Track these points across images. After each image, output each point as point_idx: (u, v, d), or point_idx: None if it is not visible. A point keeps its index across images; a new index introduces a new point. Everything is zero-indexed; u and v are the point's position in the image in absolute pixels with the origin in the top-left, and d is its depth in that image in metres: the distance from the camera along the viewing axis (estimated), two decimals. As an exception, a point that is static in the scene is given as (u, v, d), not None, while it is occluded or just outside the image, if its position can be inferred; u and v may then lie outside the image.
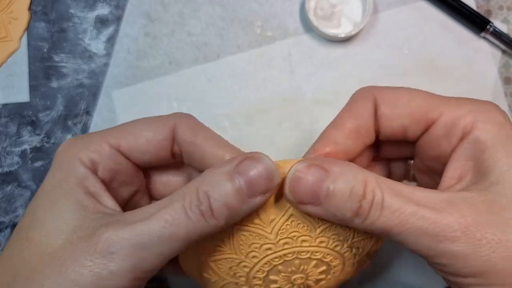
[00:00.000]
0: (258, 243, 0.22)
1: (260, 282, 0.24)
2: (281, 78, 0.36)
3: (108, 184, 0.23)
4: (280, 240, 0.22)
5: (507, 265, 0.18)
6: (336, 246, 0.23)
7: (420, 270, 0.35)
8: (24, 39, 0.37)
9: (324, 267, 0.24)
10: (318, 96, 0.36)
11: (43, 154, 0.36)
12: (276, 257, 0.23)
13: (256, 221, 0.22)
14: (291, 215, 0.22)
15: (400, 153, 0.27)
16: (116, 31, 0.37)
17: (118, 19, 0.37)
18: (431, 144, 0.23)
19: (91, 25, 0.37)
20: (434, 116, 0.22)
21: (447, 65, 0.36)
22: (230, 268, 0.23)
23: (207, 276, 0.24)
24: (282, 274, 0.24)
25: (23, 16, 0.36)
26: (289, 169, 0.21)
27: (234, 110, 0.36)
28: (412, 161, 0.27)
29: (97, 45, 0.37)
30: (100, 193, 0.22)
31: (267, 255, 0.23)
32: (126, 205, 0.25)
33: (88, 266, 0.18)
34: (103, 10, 0.37)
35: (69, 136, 0.36)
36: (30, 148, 0.36)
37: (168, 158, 0.25)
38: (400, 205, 0.19)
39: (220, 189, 0.19)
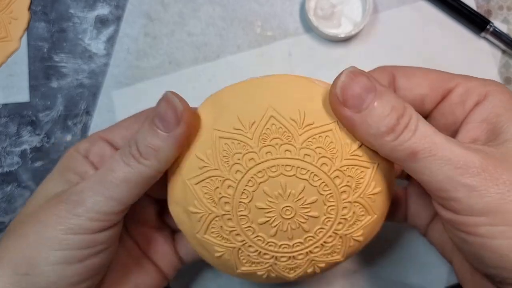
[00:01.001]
0: (240, 152, 0.22)
1: (246, 213, 0.23)
2: (281, 78, 0.36)
3: (97, 166, 0.26)
4: (262, 147, 0.22)
5: None
6: (323, 164, 0.23)
7: (420, 270, 0.35)
8: (24, 39, 0.37)
9: (314, 197, 0.23)
10: (318, 96, 0.36)
11: (43, 154, 0.36)
12: (259, 171, 0.23)
13: (237, 125, 0.22)
14: (271, 116, 0.22)
15: None
16: (116, 31, 0.37)
17: (118, 19, 0.37)
18: (446, 112, 0.24)
19: (91, 25, 0.37)
20: (451, 85, 0.24)
21: (447, 65, 0.36)
22: (215, 190, 0.23)
23: (192, 210, 0.24)
24: (269, 199, 0.23)
25: (23, 16, 0.36)
26: (341, 72, 0.22)
27: (234, 110, 0.36)
28: None
29: (97, 45, 0.37)
30: (88, 171, 0.25)
31: (251, 168, 0.23)
32: None
33: (55, 209, 0.22)
34: (103, 10, 0.37)
35: (69, 136, 0.36)
36: (30, 148, 0.36)
37: None
38: (431, 133, 0.20)
39: (143, 132, 0.23)
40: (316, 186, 0.23)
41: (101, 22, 0.37)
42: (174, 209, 0.25)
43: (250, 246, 0.24)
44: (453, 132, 0.24)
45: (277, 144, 0.22)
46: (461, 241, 0.21)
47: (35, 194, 0.25)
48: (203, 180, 0.23)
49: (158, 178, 0.23)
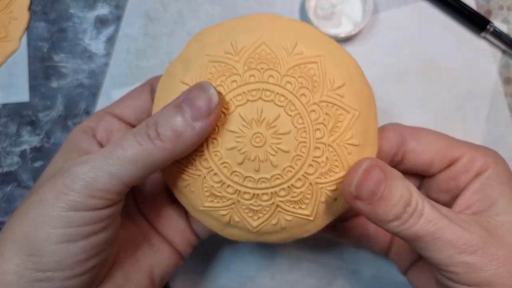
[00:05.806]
0: (225, 75, 0.23)
1: (216, 136, 0.23)
2: (281, 78, 0.36)
3: (107, 142, 0.26)
4: (247, 71, 0.23)
5: (510, 281, 0.22)
6: (302, 95, 0.22)
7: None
8: (24, 39, 0.37)
9: (287, 128, 0.23)
10: (318, 96, 0.36)
11: (43, 154, 0.36)
12: (239, 94, 0.23)
13: (228, 50, 0.23)
14: (263, 43, 0.23)
15: None
16: (116, 31, 0.37)
17: (118, 19, 0.37)
18: (450, 179, 0.26)
19: (91, 25, 0.37)
20: (457, 155, 0.26)
21: (447, 65, 0.36)
22: None
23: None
24: (242, 123, 0.23)
25: (23, 16, 0.36)
26: (357, 167, 0.22)
27: (234, 110, 0.36)
28: None
29: (97, 45, 0.37)
30: (93, 149, 0.25)
31: (232, 90, 0.23)
32: None
33: (54, 184, 0.21)
34: (103, 10, 0.37)
35: (69, 136, 0.36)
36: (30, 148, 0.36)
37: None
38: (436, 216, 0.22)
39: (167, 115, 0.22)
40: (291, 116, 0.22)
41: (101, 22, 0.37)
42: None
43: (215, 174, 0.23)
44: (453, 196, 0.26)
45: (262, 68, 0.23)
46: None
47: (37, 182, 0.25)
48: None
49: (166, 165, 0.22)
